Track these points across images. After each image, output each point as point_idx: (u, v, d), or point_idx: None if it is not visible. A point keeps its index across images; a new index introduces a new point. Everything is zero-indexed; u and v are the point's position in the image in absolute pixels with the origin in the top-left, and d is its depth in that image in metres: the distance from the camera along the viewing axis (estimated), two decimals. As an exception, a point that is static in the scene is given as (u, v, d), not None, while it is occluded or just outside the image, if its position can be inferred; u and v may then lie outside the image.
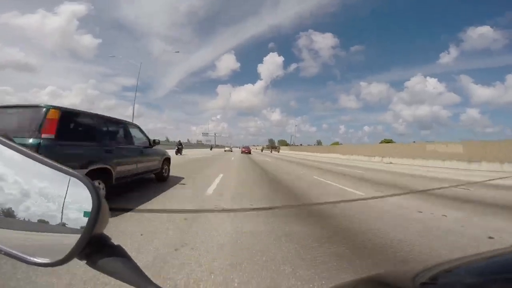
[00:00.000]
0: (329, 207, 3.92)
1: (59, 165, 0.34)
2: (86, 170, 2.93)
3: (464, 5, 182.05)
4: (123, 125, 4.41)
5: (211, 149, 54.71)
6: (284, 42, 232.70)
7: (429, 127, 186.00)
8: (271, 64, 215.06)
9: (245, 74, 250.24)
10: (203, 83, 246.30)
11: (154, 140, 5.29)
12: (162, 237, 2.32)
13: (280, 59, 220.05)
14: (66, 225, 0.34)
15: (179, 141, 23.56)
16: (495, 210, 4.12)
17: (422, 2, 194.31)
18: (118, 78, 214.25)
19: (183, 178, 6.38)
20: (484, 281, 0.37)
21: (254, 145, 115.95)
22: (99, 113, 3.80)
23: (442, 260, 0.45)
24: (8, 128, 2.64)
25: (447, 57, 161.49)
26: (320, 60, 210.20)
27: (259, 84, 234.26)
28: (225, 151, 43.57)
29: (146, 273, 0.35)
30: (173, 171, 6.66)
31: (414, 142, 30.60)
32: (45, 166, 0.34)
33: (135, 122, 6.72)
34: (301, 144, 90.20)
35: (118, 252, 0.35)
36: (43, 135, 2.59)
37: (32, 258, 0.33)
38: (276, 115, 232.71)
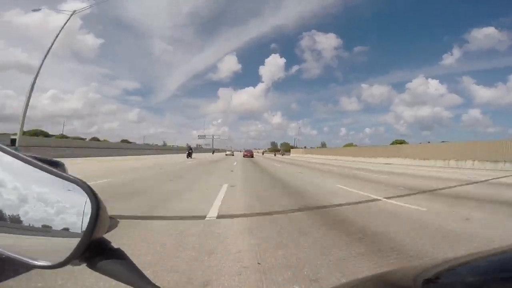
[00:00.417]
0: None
1: (57, 171, 0.35)
2: None
3: (467, 5, 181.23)
4: None
5: (213, 153, 53.88)
6: (286, 43, 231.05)
7: (430, 128, 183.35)
8: (273, 66, 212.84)
9: (247, 76, 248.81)
10: (204, 86, 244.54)
11: None
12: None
13: (282, 60, 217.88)
14: (66, 229, 0.34)
15: (189, 145, 26.79)
16: None
17: (425, 3, 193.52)
18: (120, 81, 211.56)
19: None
20: (485, 280, 0.36)
21: (255, 149, 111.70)
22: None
23: (443, 258, 0.45)
24: None
25: (450, 58, 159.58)
26: (323, 61, 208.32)
27: (260, 86, 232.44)
28: (226, 155, 41.67)
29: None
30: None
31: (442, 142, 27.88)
32: (44, 172, 0.35)
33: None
34: (304, 147, 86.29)
35: (118, 255, 0.35)
36: None
37: (32, 261, 0.34)
38: (277, 118, 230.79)
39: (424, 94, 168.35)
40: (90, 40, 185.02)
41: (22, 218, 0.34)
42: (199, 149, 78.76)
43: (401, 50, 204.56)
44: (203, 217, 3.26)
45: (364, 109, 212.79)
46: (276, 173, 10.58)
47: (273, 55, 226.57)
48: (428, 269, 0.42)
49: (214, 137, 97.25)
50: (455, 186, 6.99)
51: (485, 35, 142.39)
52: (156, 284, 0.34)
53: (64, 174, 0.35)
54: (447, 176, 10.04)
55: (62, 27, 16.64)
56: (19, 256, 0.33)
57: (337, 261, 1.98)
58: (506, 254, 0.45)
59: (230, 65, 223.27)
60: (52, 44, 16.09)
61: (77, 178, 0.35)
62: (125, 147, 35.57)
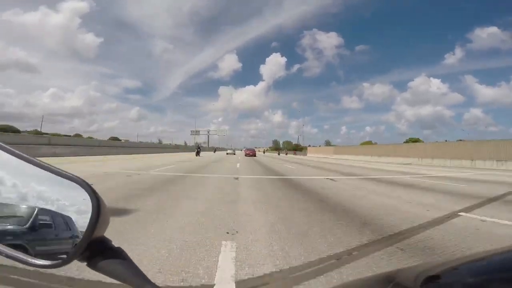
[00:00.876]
0: None
1: (57, 169, 0.35)
2: None
3: (470, 4, 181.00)
4: None
5: (214, 152, 50.46)
6: (287, 41, 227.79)
7: (432, 127, 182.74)
8: (274, 64, 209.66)
9: (247, 75, 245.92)
10: (205, 84, 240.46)
11: None
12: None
13: (283, 59, 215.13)
14: (66, 228, 0.34)
15: (198, 144, 30.51)
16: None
17: (427, 1, 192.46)
18: (120, 80, 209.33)
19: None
20: (485, 280, 0.36)
21: (256, 147, 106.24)
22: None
23: (444, 258, 0.47)
24: None
25: (453, 58, 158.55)
26: (324, 60, 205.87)
27: (261, 85, 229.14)
28: (227, 154, 37.28)
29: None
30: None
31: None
32: (43, 170, 0.34)
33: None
34: (309, 145, 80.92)
35: (118, 255, 0.35)
36: None
37: (32, 260, 0.33)
38: (277, 117, 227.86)
39: (426, 93, 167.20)
40: (90, 39, 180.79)
41: (22, 216, 0.34)
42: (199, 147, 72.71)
43: (403, 49, 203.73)
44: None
45: (365, 108, 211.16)
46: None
47: (274, 54, 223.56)
48: (428, 269, 0.43)
49: (211, 132, 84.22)
50: None
51: (488, 34, 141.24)
52: (156, 284, 0.34)
53: (64, 172, 0.35)
54: None
55: None
56: (19, 255, 0.33)
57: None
58: (506, 254, 0.45)
59: (231, 63, 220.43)
60: None
61: (77, 176, 0.35)
62: (111, 145, 29.53)
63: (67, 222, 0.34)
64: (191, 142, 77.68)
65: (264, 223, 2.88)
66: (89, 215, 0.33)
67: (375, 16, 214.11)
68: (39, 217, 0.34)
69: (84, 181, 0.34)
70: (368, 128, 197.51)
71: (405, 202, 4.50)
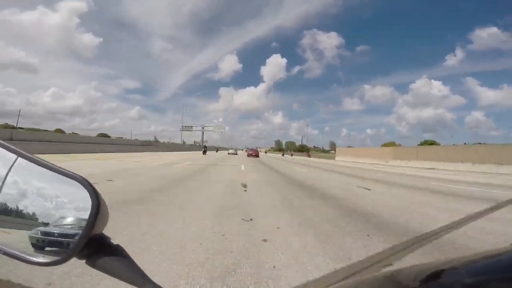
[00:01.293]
0: None
1: (56, 167, 0.34)
2: None
3: (471, 4, 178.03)
4: None
5: (217, 151, 45.41)
6: (287, 42, 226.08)
7: (433, 130, 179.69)
8: (274, 66, 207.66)
9: (248, 76, 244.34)
10: (206, 85, 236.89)
11: None
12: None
13: (283, 60, 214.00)
14: (65, 226, 0.34)
15: (205, 145, 34.97)
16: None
17: (428, 2, 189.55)
18: (120, 80, 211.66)
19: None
20: (485, 280, 0.36)
21: (257, 147, 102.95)
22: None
23: (444, 258, 0.45)
24: None
25: (453, 59, 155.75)
26: (324, 61, 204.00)
27: (262, 86, 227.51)
28: (229, 154, 35.03)
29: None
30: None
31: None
32: (43, 168, 0.34)
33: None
34: (313, 146, 76.55)
35: (117, 252, 0.34)
36: None
37: (31, 258, 0.33)
38: (278, 118, 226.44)
39: (427, 95, 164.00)
40: (89, 39, 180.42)
41: (21, 214, 0.34)
42: (197, 147, 66.35)
43: (404, 49, 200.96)
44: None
45: (366, 110, 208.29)
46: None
47: (274, 55, 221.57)
48: (428, 269, 0.42)
49: (207, 129, 67.59)
50: None
51: (488, 34, 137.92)
52: (156, 282, 0.34)
53: (63, 169, 0.34)
54: None
55: None
56: (17, 253, 0.33)
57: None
58: (506, 254, 0.44)
59: (231, 64, 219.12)
60: None
61: (77, 174, 0.34)
62: (95, 142, 26.14)
63: (66, 219, 0.34)
64: (178, 140, 70.77)
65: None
66: (88, 212, 0.32)
67: (376, 16, 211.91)
68: (38, 214, 0.34)
69: (84, 178, 0.34)
70: (369, 131, 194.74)
71: None
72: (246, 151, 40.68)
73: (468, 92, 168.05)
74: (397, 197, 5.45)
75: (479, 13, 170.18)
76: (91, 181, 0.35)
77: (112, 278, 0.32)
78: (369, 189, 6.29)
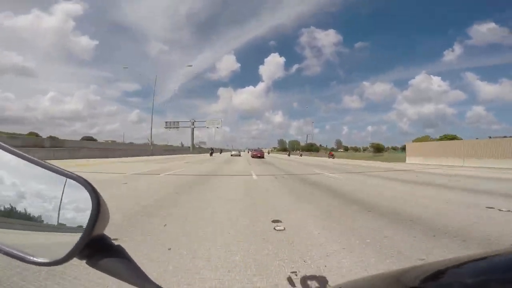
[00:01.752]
0: None
1: (56, 167, 0.34)
2: None
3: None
4: None
5: (220, 153, 42.33)
6: (285, 40, 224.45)
7: (434, 125, 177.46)
8: (273, 65, 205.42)
9: (246, 76, 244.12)
10: (204, 86, 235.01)
11: None
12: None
13: (282, 59, 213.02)
14: (66, 226, 0.34)
15: (212, 147, 39.50)
16: None
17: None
18: (119, 84, 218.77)
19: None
20: (485, 280, 0.35)
21: (258, 148, 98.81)
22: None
23: (444, 259, 0.43)
24: None
25: (451, 54, 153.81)
26: (323, 58, 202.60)
27: (261, 86, 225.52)
28: (231, 155, 32.27)
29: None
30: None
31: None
32: (42, 169, 0.34)
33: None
34: (320, 145, 71.49)
35: (118, 253, 0.34)
36: None
37: (31, 258, 0.33)
38: (278, 118, 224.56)
39: (427, 91, 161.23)
40: (85, 41, 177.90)
41: (21, 214, 0.33)
42: (197, 149, 55.01)
43: (402, 45, 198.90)
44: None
45: (366, 107, 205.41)
46: None
47: (272, 54, 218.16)
48: (428, 269, 0.42)
49: (195, 122, 51.89)
50: None
51: (487, 29, 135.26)
52: (156, 283, 0.34)
53: (63, 170, 0.34)
54: None
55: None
56: (18, 253, 0.33)
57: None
58: (506, 254, 0.44)
59: (229, 64, 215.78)
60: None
61: (76, 174, 0.34)
62: (80, 146, 22.05)
63: (66, 219, 0.34)
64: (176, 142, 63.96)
65: None
66: (89, 213, 0.32)
67: (374, 12, 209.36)
68: (38, 214, 0.34)
69: (84, 179, 0.34)
70: (369, 128, 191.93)
71: None
72: (248, 152, 36.54)
73: (467, 86, 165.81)
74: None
75: (478, 8, 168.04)
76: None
77: (113, 278, 0.32)
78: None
